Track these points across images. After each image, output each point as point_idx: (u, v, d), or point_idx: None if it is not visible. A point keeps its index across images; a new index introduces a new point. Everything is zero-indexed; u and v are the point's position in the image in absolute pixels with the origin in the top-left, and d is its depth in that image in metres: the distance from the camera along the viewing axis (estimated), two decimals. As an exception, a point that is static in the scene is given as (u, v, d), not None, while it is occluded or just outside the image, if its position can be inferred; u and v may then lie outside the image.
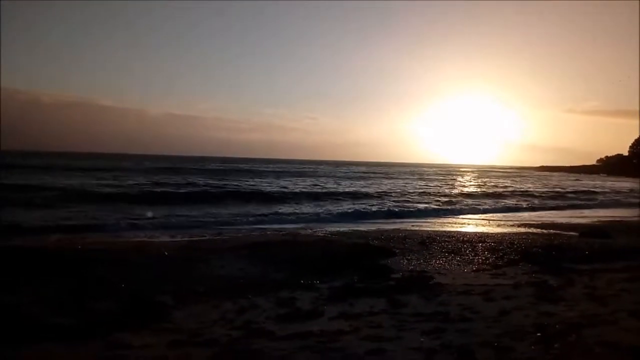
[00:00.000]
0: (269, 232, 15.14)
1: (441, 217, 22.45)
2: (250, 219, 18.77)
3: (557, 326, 4.99)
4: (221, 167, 69.40)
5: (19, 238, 12.02)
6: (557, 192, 41.78)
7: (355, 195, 30.96)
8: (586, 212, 26.15)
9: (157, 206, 20.19)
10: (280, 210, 21.74)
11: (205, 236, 13.85)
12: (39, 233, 13.16)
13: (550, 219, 20.67)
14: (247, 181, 40.99)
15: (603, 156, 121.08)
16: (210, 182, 36.40)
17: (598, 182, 61.41)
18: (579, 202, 32.58)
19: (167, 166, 62.05)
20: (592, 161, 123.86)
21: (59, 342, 4.81)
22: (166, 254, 9.53)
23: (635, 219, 22.53)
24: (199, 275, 8.13)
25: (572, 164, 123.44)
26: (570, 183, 58.52)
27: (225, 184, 35.06)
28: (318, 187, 38.39)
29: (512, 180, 63.04)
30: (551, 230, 15.98)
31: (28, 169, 42.74)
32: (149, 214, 17.35)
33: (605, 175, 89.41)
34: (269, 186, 36.40)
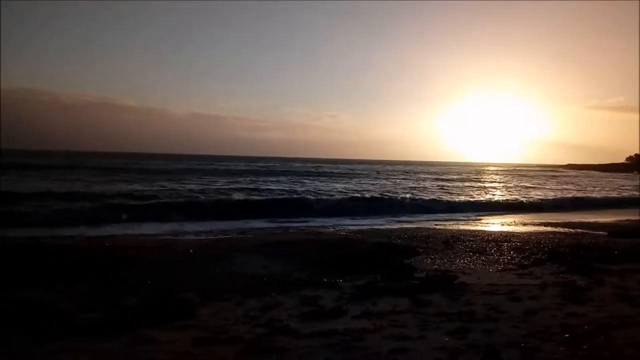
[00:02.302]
0: (291, 231, 15.22)
1: (468, 217, 22.26)
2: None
3: (585, 327, 4.90)
4: (260, 169, 66.37)
5: (48, 236, 12.36)
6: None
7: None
8: (616, 211, 25.50)
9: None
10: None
11: (229, 235, 14.01)
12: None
13: (578, 219, 20.25)
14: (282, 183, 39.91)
15: (632, 154, 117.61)
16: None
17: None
18: None
19: (189, 167, 62.38)
20: (620, 159, 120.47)
21: (87, 337, 4.92)
22: (191, 251, 9.66)
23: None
24: (223, 272, 8.22)
25: (600, 162, 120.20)
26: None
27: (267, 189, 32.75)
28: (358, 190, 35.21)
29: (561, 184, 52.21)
30: (579, 230, 15.66)
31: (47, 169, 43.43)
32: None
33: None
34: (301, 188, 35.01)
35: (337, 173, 61.97)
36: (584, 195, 35.87)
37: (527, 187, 44.75)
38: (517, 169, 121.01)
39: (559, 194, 36.13)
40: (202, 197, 25.21)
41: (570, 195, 35.06)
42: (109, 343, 4.76)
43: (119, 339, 4.84)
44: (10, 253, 8.53)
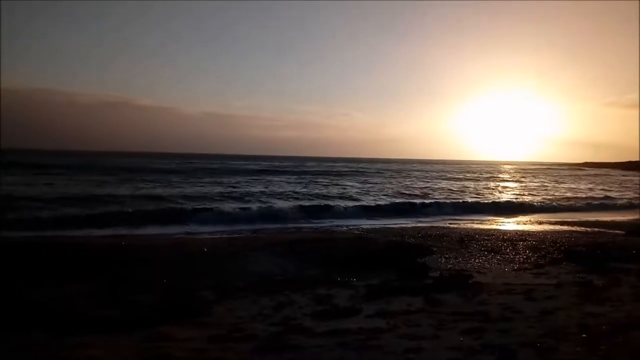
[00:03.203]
0: (304, 230, 15.23)
1: (483, 216, 22.08)
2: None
3: (602, 327, 4.83)
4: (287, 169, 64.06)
5: (63, 237, 12.53)
6: None
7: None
8: (633, 211, 25.09)
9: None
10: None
11: (242, 234, 14.07)
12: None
13: (595, 217, 19.98)
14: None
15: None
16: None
17: None
18: None
19: (202, 167, 62.45)
20: (636, 157, 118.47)
21: (105, 333, 4.99)
22: (205, 250, 9.72)
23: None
24: (238, 271, 8.26)
25: (616, 160, 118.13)
26: None
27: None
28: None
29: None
30: (595, 229, 15.47)
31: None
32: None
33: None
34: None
35: (351, 172, 61.73)
36: (604, 194, 35.25)
37: (544, 186, 44.18)
38: (534, 167, 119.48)
39: (579, 194, 35.53)
40: (215, 198, 25.30)
41: (592, 194, 34.60)
42: (126, 339, 4.81)
43: (135, 335, 4.90)
44: (26, 252, 8.65)
